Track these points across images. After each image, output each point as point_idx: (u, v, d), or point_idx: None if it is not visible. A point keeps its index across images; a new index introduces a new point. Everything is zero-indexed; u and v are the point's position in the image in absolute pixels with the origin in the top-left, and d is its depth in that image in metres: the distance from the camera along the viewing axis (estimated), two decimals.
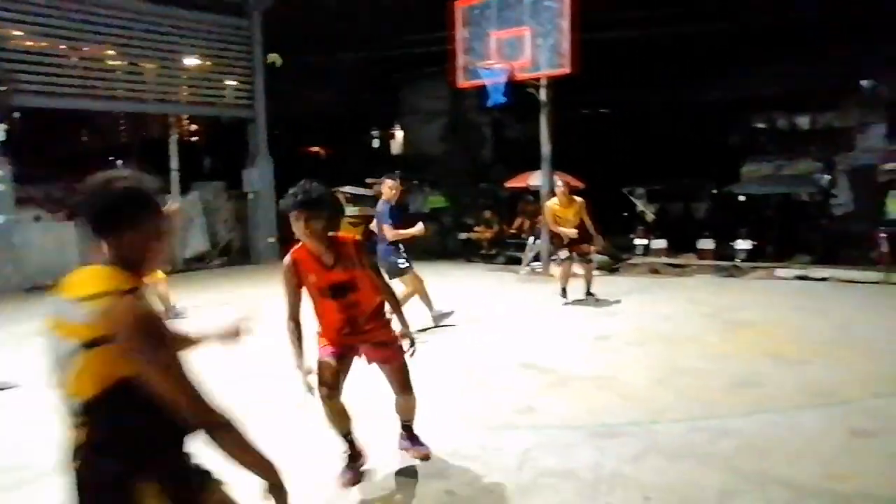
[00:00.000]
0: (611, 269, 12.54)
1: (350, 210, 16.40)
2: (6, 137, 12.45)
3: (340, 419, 3.75)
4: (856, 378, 5.48)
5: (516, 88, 11.74)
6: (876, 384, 5.31)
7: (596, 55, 13.53)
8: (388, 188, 7.53)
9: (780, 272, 11.54)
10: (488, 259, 14.72)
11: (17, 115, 17.60)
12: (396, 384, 3.89)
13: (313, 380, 3.61)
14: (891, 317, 8.05)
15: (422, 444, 4.09)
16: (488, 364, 6.28)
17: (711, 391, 5.28)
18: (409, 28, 18.66)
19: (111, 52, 14.42)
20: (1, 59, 12.38)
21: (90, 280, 1.69)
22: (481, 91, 12.29)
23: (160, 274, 8.58)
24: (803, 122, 17.56)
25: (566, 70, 10.93)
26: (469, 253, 15.27)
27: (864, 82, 16.96)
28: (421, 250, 13.83)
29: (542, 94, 11.76)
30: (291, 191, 3.56)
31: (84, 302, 1.63)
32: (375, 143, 30.70)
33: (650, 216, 15.66)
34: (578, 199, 9.26)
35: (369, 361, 3.87)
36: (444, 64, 14.18)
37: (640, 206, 16.04)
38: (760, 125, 18.24)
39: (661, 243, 13.61)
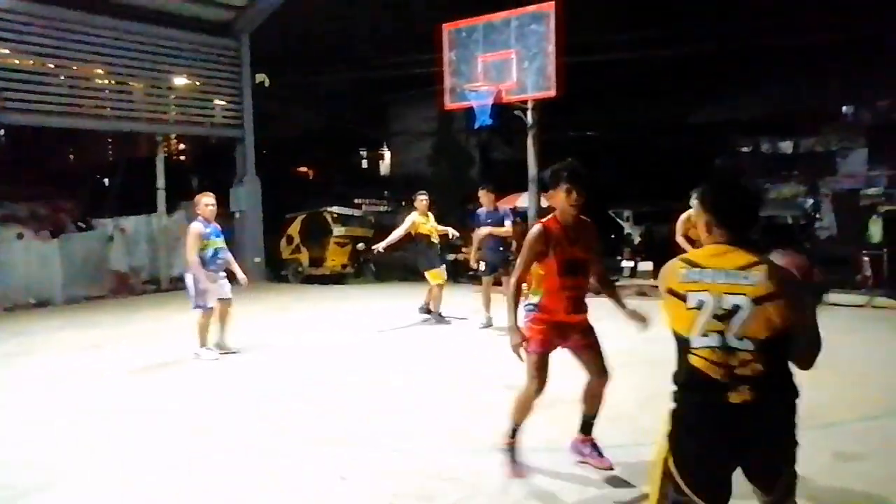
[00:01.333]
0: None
1: (338, 230, 16.37)
2: None
3: (528, 412, 4.00)
4: (840, 401, 5.47)
5: (503, 110, 11.82)
6: (861, 407, 5.31)
7: (583, 78, 13.66)
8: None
9: None
10: (477, 280, 14.68)
11: (1, 133, 17.46)
12: (596, 367, 4.02)
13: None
14: (875, 340, 8.08)
15: (602, 456, 4.08)
16: (474, 384, 6.26)
17: None
18: (397, 50, 18.80)
19: (99, 71, 14.40)
20: None
21: (736, 257, 2.25)
22: (469, 113, 12.37)
23: (440, 279, 9.64)
24: (787, 146, 17.75)
25: (552, 93, 11.02)
26: (457, 274, 15.24)
27: (845, 107, 17.23)
28: (409, 270, 13.81)
29: (529, 117, 11.85)
30: (557, 166, 3.86)
31: (744, 270, 2.20)
32: (363, 164, 30.70)
33: (637, 238, 15.73)
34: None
35: (577, 349, 4.02)
36: (431, 86, 14.26)
37: (626, 228, 16.12)
38: (745, 148, 18.43)
39: (647, 265, 13.65)
